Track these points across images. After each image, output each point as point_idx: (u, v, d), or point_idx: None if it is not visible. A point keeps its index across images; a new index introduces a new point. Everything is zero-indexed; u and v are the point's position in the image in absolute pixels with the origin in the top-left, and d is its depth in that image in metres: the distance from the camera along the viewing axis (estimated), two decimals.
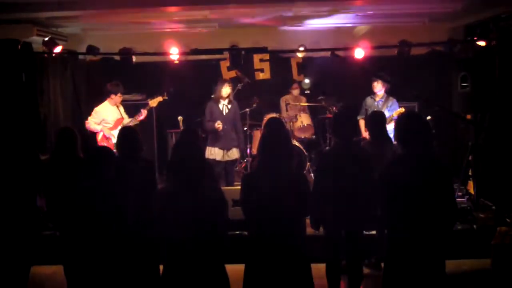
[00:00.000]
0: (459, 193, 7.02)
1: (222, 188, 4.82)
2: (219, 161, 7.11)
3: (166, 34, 8.61)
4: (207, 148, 7.09)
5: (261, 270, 3.45)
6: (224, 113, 7.13)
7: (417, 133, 3.54)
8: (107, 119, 7.19)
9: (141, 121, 7.43)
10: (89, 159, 4.23)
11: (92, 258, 4.05)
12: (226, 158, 7.15)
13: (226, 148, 7.12)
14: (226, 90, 7.09)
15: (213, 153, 7.11)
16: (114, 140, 6.34)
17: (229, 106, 7.17)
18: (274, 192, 3.42)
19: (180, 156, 3.27)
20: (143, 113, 7.32)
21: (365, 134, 6.92)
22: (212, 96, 7.26)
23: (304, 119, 8.38)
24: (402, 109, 7.18)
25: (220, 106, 7.15)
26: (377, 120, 5.47)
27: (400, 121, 3.80)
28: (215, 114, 7.10)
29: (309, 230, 4.12)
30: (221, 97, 7.11)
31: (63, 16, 7.26)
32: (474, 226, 6.03)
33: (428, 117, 7.38)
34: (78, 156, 4.78)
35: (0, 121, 6.61)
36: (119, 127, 6.79)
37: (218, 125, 6.97)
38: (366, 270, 5.28)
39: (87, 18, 7.62)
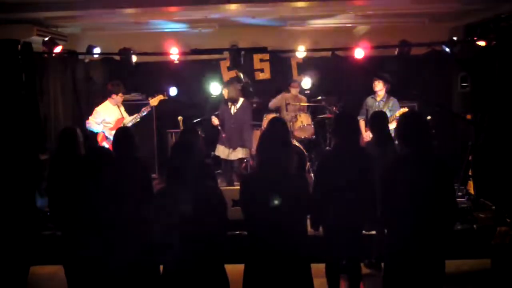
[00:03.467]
0: (459, 193, 7.02)
1: (222, 188, 4.83)
2: (224, 159, 7.45)
3: (166, 34, 8.62)
4: (217, 145, 7.56)
5: (260, 270, 3.45)
6: (232, 113, 7.40)
7: (418, 133, 3.54)
8: (107, 119, 7.19)
9: (141, 121, 7.45)
10: (89, 159, 4.23)
11: (92, 258, 4.05)
12: (231, 157, 7.41)
13: (231, 147, 7.39)
14: (224, 91, 7.47)
15: (219, 150, 7.49)
16: None
17: (237, 106, 7.39)
18: (273, 192, 3.42)
19: (179, 156, 3.26)
20: (144, 110, 7.37)
21: (366, 134, 6.91)
22: None
23: (304, 119, 8.38)
24: (406, 109, 7.17)
25: (229, 105, 7.44)
26: (378, 120, 5.47)
27: (402, 121, 3.79)
28: (225, 113, 7.46)
29: (309, 230, 4.12)
30: (225, 98, 7.43)
31: (63, 16, 7.27)
32: (474, 226, 6.03)
33: (428, 117, 7.39)
34: (80, 156, 4.78)
35: (0, 121, 6.61)
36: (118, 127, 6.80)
37: (214, 119, 7.51)
38: (366, 270, 5.28)
39: (87, 18, 7.63)
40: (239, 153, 7.38)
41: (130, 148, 4.48)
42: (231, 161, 7.48)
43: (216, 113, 7.80)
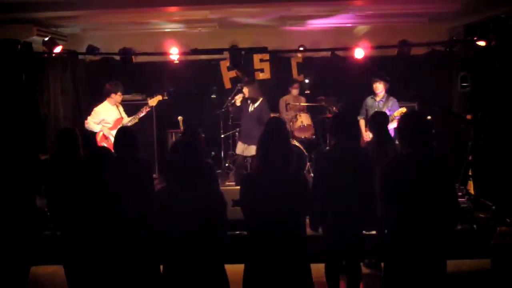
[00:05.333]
0: (459, 193, 7.01)
1: (222, 188, 4.83)
2: (240, 155, 7.54)
3: (166, 34, 8.62)
4: (237, 143, 7.72)
5: (260, 270, 3.45)
6: (249, 110, 7.48)
7: (419, 133, 3.53)
8: (106, 119, 7.19)
9: (141, 121, 7.45)
10: (89, 159, 4.24)
11: (92, 258, 4.05)
12: (246, 153, 7.47)
13: (246, 143, 7.44)
14: (244, 90, 7.49)
15: (237, 147, 7.61)
16: None
17: (255, 105, 7.45)
18: (273, 192, 3.42)
19: (179, 155, 3.26)
20: (143, 111, 7.37)
21: (365, 134, 6.91)
22: None
23: (304, 119, 8.38)
24: (404, 109, 7.17)
25: (248, 103, 7.51)
26: (379, 121, 5.47)
27: (403, 121, 3.79)
28: (243, 110, 7.53)
29: (309, 230, 4.12)
30: (245, 97, 7.47)
31: (63, 16, 7.27)
32: (474, 226, 6.02)
33: (428, 117, 7.38)
34: (79, 156, 4.77)
35: (0, 121, 6.61)
36: (119, 127, 6.79)
37: (238, 97, 7.42)
38: (366, 270, 5.28)
39: (87, 18, 7.63)
40: (252, 150, 7.41)
41: (131, 148, 4.47)
42: (245, 158, 7.56)
43: (218, 112, 7.88)
